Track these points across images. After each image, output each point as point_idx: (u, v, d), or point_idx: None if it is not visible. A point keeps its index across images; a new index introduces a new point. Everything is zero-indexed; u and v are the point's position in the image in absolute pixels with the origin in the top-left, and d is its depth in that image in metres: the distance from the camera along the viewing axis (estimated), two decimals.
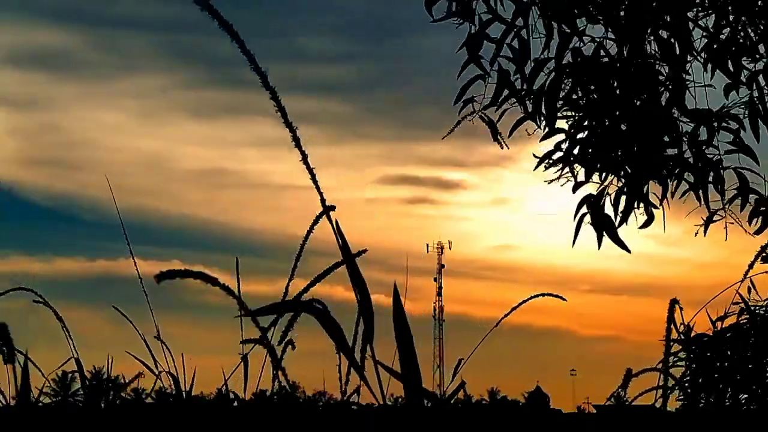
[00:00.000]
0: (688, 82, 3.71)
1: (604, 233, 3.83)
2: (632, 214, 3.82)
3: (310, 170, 1.54)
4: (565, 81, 3.76)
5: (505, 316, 2.80)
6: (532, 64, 3.80)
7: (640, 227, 3.86)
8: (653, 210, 3.84)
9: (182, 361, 2.98)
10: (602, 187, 3.84)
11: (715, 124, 3.72)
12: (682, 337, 3.42)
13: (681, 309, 3.23)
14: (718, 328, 3.49)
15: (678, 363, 3.49)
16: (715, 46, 3.70)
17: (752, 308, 3.48)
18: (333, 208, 1.62)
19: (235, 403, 3.18)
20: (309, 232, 2.14)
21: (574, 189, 3.87)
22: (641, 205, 3.81)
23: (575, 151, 3.84)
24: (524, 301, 2.83)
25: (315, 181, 1.55)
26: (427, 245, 70.83)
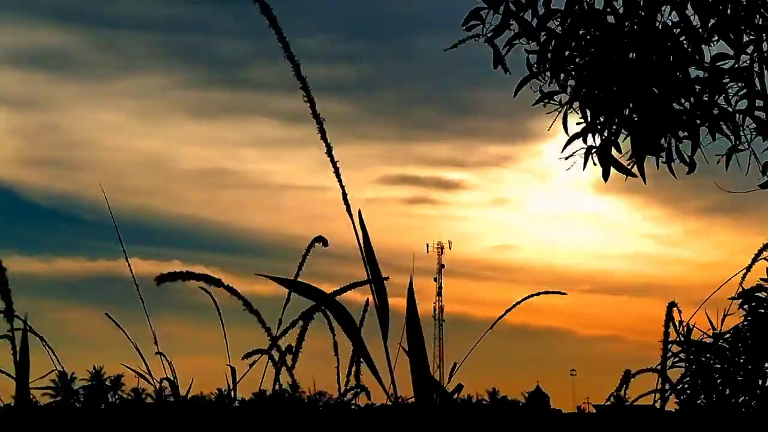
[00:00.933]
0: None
1: (611, 167, 3.82)
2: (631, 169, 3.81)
3: (334, 163, 1.52)
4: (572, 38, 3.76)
5: (501, 316, 2.79)
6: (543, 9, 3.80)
7: (688, 173, 3.86)
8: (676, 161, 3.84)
9: (172, 368, 2.96)
10: (609, 131, 3.82)
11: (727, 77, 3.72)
12: (682, 338, 3.41)
13: (680, 311, 3.22)
14: (718, 330, 3.48)
15: (678, 363, 3.49)
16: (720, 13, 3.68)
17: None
18: (351, 210, 1.58)
19: (236, 404, 3.19)
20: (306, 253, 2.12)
21: (582, 134, 3.85)
22: (665, 155, 3.80)
23: (582, 93, 3.81)
24: (523, 299, 2.81)
25: (338, 175, 1.52)
26: (427, 245, 70.86)
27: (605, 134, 3.85)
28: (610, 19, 3.76)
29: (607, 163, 3.84)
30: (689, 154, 3.83)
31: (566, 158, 3.91)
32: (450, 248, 73.37)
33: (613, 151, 3.86)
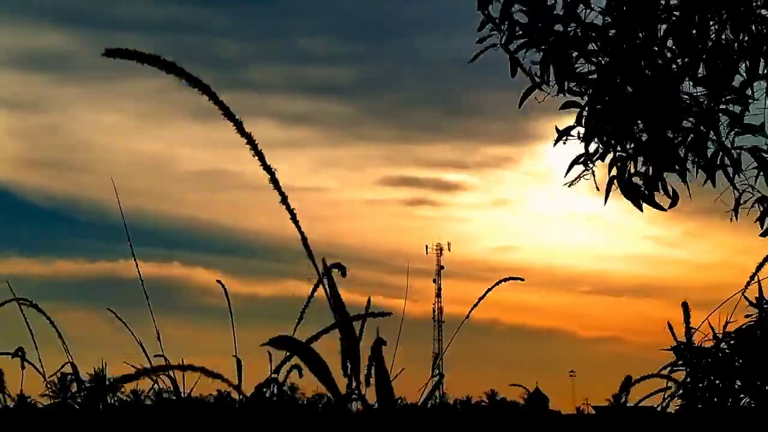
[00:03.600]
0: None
1: (641, 200, 3.84)
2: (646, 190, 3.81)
3: (291, 212, 1.49)
4: (575, 50, 3.76)
5: (473, 308, 2.81)
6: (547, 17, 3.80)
7: (669, 207, 3.86)
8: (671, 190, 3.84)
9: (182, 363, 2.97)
10: (626, 155, 3.83)
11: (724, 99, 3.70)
12: (683, 344, 3.40)
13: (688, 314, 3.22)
14: (720, 335, 3.47)
15: (680, 365, 3.47)
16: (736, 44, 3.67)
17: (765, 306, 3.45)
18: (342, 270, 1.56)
19: (236, 405, 3.18)
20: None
21: (591, 157, 3.86)
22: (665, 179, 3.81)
23: (592, 122, 3.81)
24: (489, 290, 2.85)
25: (296, 223, 1.49)
26: (427, 246, 70.90)
27: (619, 162, 3.86)
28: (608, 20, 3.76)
29: (635, 196, 3.85)
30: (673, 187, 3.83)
31: (570, 184, 3.93)
32: (449, 250, 73.40)
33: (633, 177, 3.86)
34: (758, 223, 3.87)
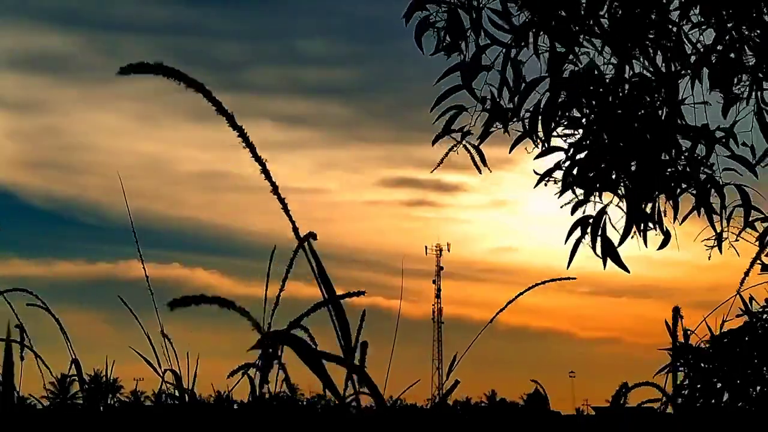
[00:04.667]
0: (686, 98, 3.71)
1: (608, 257, 3.84)
2: (632, 235, 3.81)
3: (288, 212, 1.50)
4: (562, 98, 3.75)
5: (501, 310, 2.78)
6: (524, 84, 3.77)
7: (659, 248, 3.87)
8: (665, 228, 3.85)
9: (186, 361, 2.98)
10: (602, 207, 3.83)
11: (713, 139, 3.71)
12: (678, 345, 3.41)
13: (681, 317, 3.23)
14: (716, 332, 3.48)
15: (678, 366, 3.48)
16: (713, 61, 3.68)
17: (756, 312, 3.47)
18: (314, 236, 1.56)
19: (235, 406, 3.19)
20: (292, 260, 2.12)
21: (573, 210, 3.88)
22: (647, 224, 3.81)
23: (574, 171, 3.83)
24: (520, 294, 2.81)
25: (290, 219, 1.50)
26: (426, 247, 70.91)
27: (596, 213, 3.85)
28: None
29: (605, 254, 3.84)
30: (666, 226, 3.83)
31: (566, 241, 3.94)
32: (449, 250, 73.45)
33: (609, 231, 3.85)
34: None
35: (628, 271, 3.84)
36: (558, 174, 3.87)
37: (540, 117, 3.74)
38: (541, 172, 3.90)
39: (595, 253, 3.83)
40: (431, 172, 4.18)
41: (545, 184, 3.91)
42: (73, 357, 3.04)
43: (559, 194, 3.86)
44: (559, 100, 3.71)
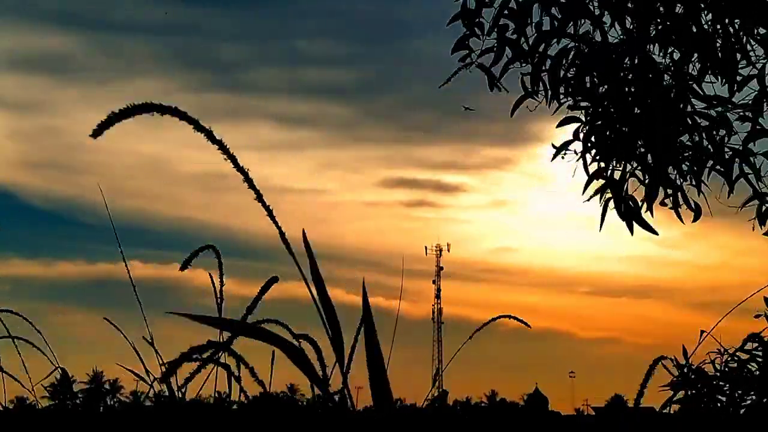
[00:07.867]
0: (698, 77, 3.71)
1: (633, 221, 3.85)
2: (650, 207, 3.81)
3: (274, 220, 1.50)
4: (568, 68, 3.76)
5: (476, 331, 2.74)
6: (534, 32, 3.80)
7: (693, 221, 3.86)
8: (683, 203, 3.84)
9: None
10: (624, 172, 3.83)
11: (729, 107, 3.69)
12: (680, 377, 3.39)
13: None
14: (732, 349, 3.44)
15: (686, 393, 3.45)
16: (718, 50, 3.67)
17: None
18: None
19: (235, 407, 3.18)
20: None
21: (593, 178, 3.87)
22: (676, 199, 3.80)
23: (593, 139, 3.82)
24: (491, 320, 2.74)
25: (275, 222, 1.49)
26: (426, 248, 70.95)
27: (618, 178, 3.85)
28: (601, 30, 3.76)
29: (629, 217, 3.85)
30: (695, 200, 3.83)
31: (589, 199, 3.93)
32: (449, 251, 73.51)
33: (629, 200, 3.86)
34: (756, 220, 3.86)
35: (656, 233, 3.84)
36: (575, 145, 3.88)
37: (547, 70, 3.75)
38: (559, 146, 3.91)
39: (620, 216, 3.84)
40: (439, 87, 4.08)
41: (562, 157, 3.91)
42: (57, 365, 3.02)
43: (579, 158, 3.85)
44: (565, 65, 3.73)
